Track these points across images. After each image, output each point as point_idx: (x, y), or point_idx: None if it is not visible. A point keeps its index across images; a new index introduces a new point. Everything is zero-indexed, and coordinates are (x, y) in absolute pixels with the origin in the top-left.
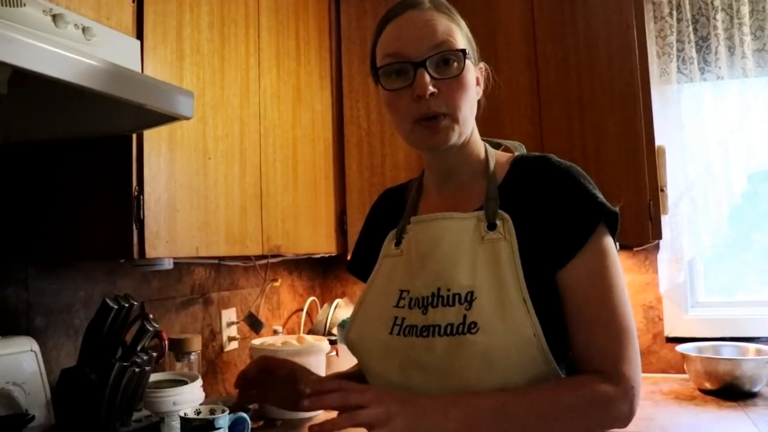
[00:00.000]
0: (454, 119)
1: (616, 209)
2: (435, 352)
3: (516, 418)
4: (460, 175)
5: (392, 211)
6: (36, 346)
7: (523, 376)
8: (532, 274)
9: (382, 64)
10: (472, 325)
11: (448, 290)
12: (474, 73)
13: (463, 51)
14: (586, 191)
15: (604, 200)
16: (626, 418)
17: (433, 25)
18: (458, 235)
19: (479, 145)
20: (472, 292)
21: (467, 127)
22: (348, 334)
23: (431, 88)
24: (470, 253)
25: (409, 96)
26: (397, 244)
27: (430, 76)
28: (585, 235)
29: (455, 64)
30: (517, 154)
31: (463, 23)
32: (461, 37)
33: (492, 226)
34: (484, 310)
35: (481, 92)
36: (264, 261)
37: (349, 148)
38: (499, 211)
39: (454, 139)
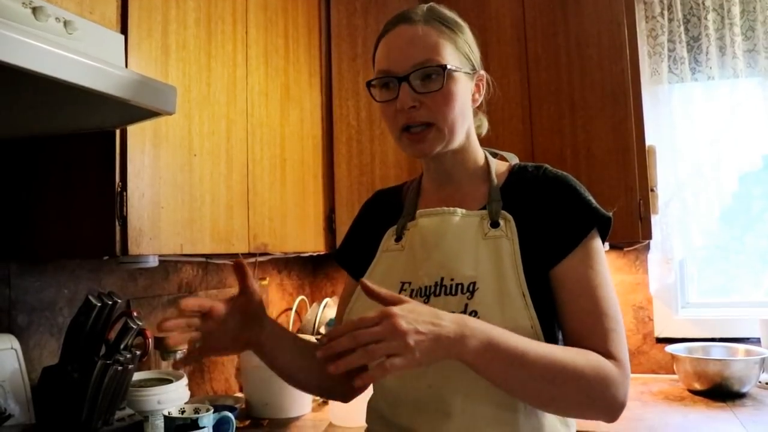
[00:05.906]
0: (440, 129)
1: (610, 214)
2: None
3: (530, 368)
4: (458, 179)
5: (388, 210)
6: (17, 344)
7: None
8: (529, 270)
9: (373, 77)
10: (473, 314)
11: (452, 280)
12: (465, 84)
13: (444, 66)
14: (582, 198)
15: (597, 206)
16: (620, 405)
17: (418, 40)
18: (462, 230)
19: (477, 152)
20: (474, 283)
21: (458, 135)
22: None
23: (410, 102)
24: (473, 247)
25: (395, 107)
26: (398, 239)
27: (414, 89)
28: (579, 236)
29: (437, 78)
30: (513, 163)
31: (460, 35)
32: (450, 51)
33: (495, 224)
34: (484, 301)
35: (480, 100)
36: (252, 259)
37: (339, 146)
38: (502, 211)
39: (440, 147)
